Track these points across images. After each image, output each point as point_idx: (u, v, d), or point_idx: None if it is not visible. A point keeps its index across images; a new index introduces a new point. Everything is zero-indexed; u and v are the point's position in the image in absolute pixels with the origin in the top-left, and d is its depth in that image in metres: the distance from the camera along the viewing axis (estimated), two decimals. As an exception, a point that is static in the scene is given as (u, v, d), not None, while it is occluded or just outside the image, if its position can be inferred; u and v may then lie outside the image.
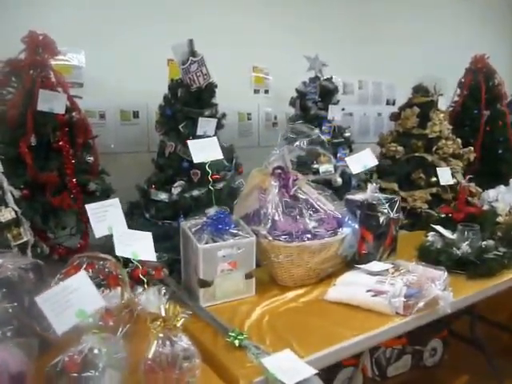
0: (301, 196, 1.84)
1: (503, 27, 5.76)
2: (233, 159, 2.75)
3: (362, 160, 2.13)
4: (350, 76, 4.26)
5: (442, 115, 3.69)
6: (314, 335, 1.46)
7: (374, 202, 1.98)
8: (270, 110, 3.69)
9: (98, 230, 1.39)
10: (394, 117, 3.88)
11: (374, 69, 4.42)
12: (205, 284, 1.64)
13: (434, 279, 1.72)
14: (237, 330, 1.40)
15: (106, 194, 2.50)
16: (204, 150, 1.87)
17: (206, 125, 2.55)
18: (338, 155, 3.13)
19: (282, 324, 1.53)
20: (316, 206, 1.84)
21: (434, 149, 3.65)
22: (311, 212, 1.82)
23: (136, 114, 3.08)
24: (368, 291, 1.62)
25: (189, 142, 1.96)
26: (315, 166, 3.08)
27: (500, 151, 4.31)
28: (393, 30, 4.57)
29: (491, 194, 2.69)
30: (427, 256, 2.08)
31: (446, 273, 1.74)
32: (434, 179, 3.61)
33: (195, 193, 2.55)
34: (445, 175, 2.68)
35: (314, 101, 3.14)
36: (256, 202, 1.78)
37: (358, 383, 1.94)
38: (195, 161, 1.91)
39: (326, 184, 3.08)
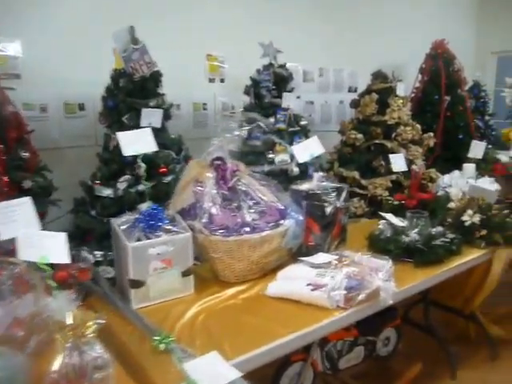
0: (241, 188, 1.76)
1: (465, 12, 5.77)
2: (181, 151, 2.65)
3: (309, 148, 2.07)
4: (311, 63, 4.19)
5: (400, 101, 3.65)
6: (247, 334, 1.39)
7: (319, 192, 1.91)
8: (226, 100, 3.59)
9: (5, 232, 1.28)
10: (354, 104, 3.83)
11: (335, 56, 4.36)
12: (136, 284, 1.55)
13: (377, 269, 1.67)
14: (163, 333, 1.32)
15: (46, 191, 2.38)
16: (135, 142, 1.77)
17: (150, 116, 2.44)
18: (295, 144, 3.06)
19: (216, 323, 1.45)
20: (257, 198, 1.76)
21: (393, 135, 3.62)
22: (252, 204, 1.74)
23: (82, 107, 2.94)
24: (308, 285, 1.55)
25: (118, 133, 1.85)
26: (271, 155, 3.01)
27: (460, 136, 4.32)
28: (354, 16, 4.50)
29: (445, 179, 2.66)
30: (376, 245, 2.04)
31: (390, 262, 1.69)
32: (415, 165, 3.59)
33: (141, 187, 2.44)
34: (398, 162, 2.64)
35: (268, 89, 3.05)
36: (192, 196, 1.69)
37: (308, 378, 1.88)
38: (125, 154, 1.81)
39: (282, 174, 3.05)
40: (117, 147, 2.48)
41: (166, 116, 2.64)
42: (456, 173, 2.70)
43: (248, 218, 1.69)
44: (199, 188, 1.71)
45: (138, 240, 1.60)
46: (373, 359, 2.15)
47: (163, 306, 1.58)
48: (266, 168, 3.00)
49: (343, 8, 4.43)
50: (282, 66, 3.11)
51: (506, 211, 2.25)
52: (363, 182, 3.65)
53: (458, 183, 2.60)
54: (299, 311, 1.53)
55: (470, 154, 2.78)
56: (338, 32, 4.35)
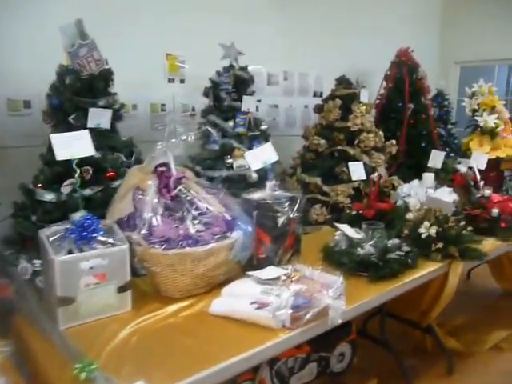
0: (186, 197, 1.64)
1: (430, 21, 5.83)
2: (133, 154, 2.51)
3: (262, 155, 1.97)
4: (276, 66, 4.11)
5: (363, 108, 3.62)
6: (182, 359, 1.27)
7: (270, 202, 1.82)
8: (186, 101, 3.46)
9: None
10: (318, 109, 3.78)
11: (300, 60, 4.30)
12: (65, 302, 1.41)
13: (328, 285, 1.58)
14: (86, 360, 1.18)
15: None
16: (71, 145, 1.62)
17: (98, 116, 2.29)
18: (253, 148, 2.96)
19: (149, 346, 1.33)
20: (203, 208, 1.65)
21: (356, 142, 3.58)
22: (197, 215, 1.62)
23: (27, 104, 2.75)
24: (252, 303, 1.45)
25: (51, 136, 1.70)
26: (229, 160, 2.90)
27: (423, 144, 4.33)
28: (322, 20, 4.45)
29: (405, 188, 2.62)
30: (331, 257, 1.96)
31: (341, 278, 1.61)
32: (376, 174, 3.55)
33: (87, 192, 2.29)
34: (357, 170, 2.59)
35: (228, 91, 2.95)
36: (131, 205, 1.56)
37: (257, 398, 1.78)
38: (58, 158, 1.66)
39: (241, 180, 2.94)
40: (61, 149, 2.32)
41: (117, 117, 2.49)
42: (415, 182, 2.67)
43: (191, 230, 1.57)
44: (139, 196, 1.58)
45: (70, 252, 1.46)
46: (327, 376, 2.07)
47: (95, 326, 1.45)
48: (225, 173, 2.90)
49: (311, 11, 4.36)
50: (243, 69, 3.02)
51: (462, 223, 2.22)
52: (325, 188, 3.60)
53: (416, 193, 2.57)
54: (243, 331, 1.42)
55: (430, 164, 2.76)
56: (305, 35, 4.29)
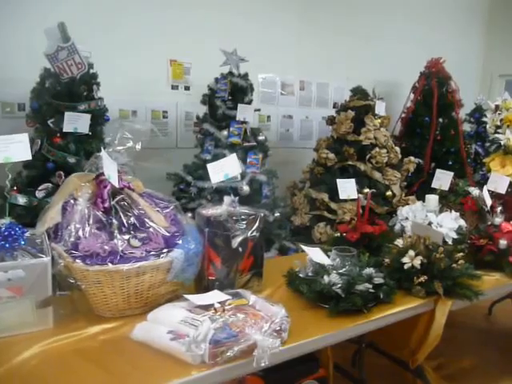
0: (124, 209, 1.52)
1: (474, 32, 5.43)
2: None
3: (225, 168, 1.81)
4: (291, 75, 3.94)
5: (378, 121, 3.36)
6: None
7: (223, 219, 1.65)
8: (190, 109, 3.37)
9: None
10: (330, 121, 3.56)
11: (319, 69, 4.10)
12: (-28, 315, 1.32)
13: (271, 318, 1.40)
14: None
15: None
16: (6, 148, 1.54)
17: (75, 120, 2.24)
18: (248, 160, 2.81)
19: (43, 374, 1.20)
20: (143, 221, 1.52)
21: (367, 157, 3.33)
22: (132, 229, 1.49)
23: (22, 107, 2.76)
24: (169, 332, 1.29)
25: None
26: (220, 171, 2.75)
27: (450, 162, 3.99)
28: (344, 26, 4.24)
29: (404, 211, 2.36)
30: (292, 284, 1.76)
31: (283, 311, 1.41)
32: (366, 190, 3.30)
33: (59, 197, 2.23)
34: (347, 188, 2.35)
35: (224, 99, 2.82)
36: (59, 215, 1.46)
37: None
38: (-13, 161, 1.58)
39: (232, 192, 2.79)
40: (38, 152, 2.29)
41: (101, 122, 2.43)
42: (418, 204, 2.40)
43: (121, 245, 1.44)
44: (71, 206, 1.47)
45: (-12, 262, 1.37)
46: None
47: (4, 342, 1.34)
48: (216, 185, 2.75)
49: (332, 15, 4.14)
50: (242, 76, 2.87)
51: (459, 255, 1.94)
52: (332, 205, 3.37)
53: (415, 216, 2.30)
54: (159, 363, 1.26)
55: (434, 184, 2.47)
56: (325, 43, 4.09)
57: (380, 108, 3.41)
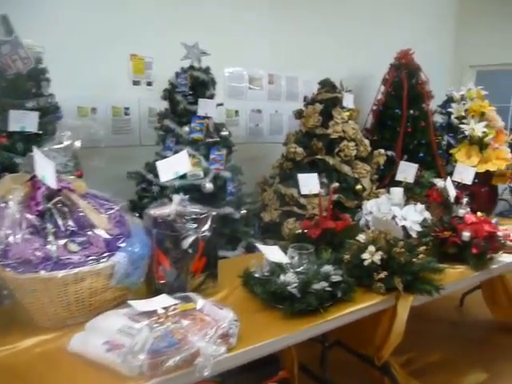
0: (61, 212, 1.42)
1: (444, 20, 5.41)
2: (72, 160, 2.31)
3: (175, 165, 1.72)
4: (259, 69, 3.86)
5: (346, 114, 3.31)
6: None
7: (171, 219, 1.57)
8: (153, 104, 3.25)
9: None
10: (298, 114, 3.49)
11: (288, 62, 4.03)
12: None
13: (217, 322, 1.32)
14: None
15: None
16: None
17: (21, 119, 2.12)
18: (212, 157, 2.72)
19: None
20: (79, 225, 1.42)
21: (336, 151, 3.28)
22: (70, 233, 1.40)
23: None
24: (104, 343, 1.21)
25: None
26: (182, 169, 2.66)
27: (421, 154, 3.96)
28: (314, 18, 4.16)
29: (369, 205, 2.30)
30: (247, 285, 1.69)
31: (231, 314, 1.34)
32: (335, 185, 3.25)
33: None
34: (309, 182, 2.28)
35: (184, 94, 2.72)
36: (-12, 219, 1.36)
37: None
38: None
39: (194, 190, 2.70)
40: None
41: (52, 119, 2.32)
42: (383, 197, 2.35)
43: (56, 250, 1.34)
44: (1, 210, 1.37)
45: None
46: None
47: None
48: (177, 183, 2.66)
49: (301, 6, 4.05)
50: (204, 70, 2.78)
51: (422, 248, 1.89)
52: (302, 200, 3.30)
53: (380, 210, 2.25)
54: (95, 377, 1.18)
55: (399, 177, 2.42)
56: (295, 35, 4.01)
57: (348, 100, 3.35)
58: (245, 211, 2.85)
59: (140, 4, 3.15)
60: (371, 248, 1.78)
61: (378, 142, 4.11)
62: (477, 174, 2.70)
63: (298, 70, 4.08)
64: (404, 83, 4.03)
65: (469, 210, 2.48)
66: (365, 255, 1.78)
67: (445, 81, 5.23)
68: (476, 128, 2.55)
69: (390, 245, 1.82)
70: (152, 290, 1.61)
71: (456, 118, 2.67)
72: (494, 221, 2.54)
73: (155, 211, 1.63)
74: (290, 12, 3.96)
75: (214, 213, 1.65)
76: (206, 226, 1.63)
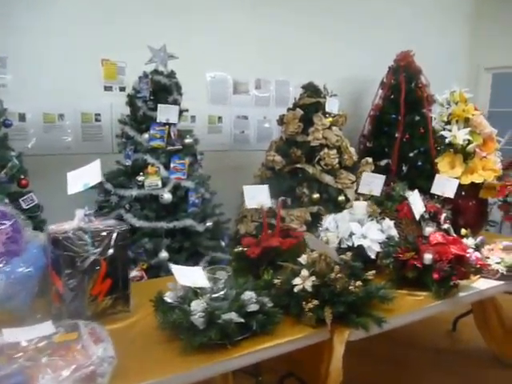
0: None
1: (458, 20, 5.07)
2: (3, 168, 2.22)
3: (85, 176, 1.57)
4: (245, 73, 3.68)
5: (329, 119, 3.09)
6: None
7: (70, 236, 1.41)
8: (127, 111, 3.13)
9: None
10: (281, 120, 3.29)
11: (279, 66, 3.83)
12: None
13: (85, 359, 1.16)
14: None
15: None
16: None
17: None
18: (172, 166, 2.57)
19: None
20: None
21: (316, 159, 3.06)
22: None
23: None
24: None
25: None
26: (140, 178, 2.53)
27: (419, 163, 3.68)
28: (307, 16, 3.93)
29: (328, 220, 2.08)
30: (159, 311, 1.51)
31: (102, 350, 1.17)
32: (316, 196, 3.03)
33: None
34: (258, 195, 2.05)
35: (145, 99, 2.59)
36: None
37: None
38: None
39: (153, 201, 2.56)
40: None
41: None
42: (344, 212, 2.12)
43: None
44: None
45: None
46: None
47: None
48: (135, 193, 2.53)
49: (292, 7, 3.83)
50: (165, 74, 2.63)
51: (372, 273, 1.66)
52: (281, 212, 3.10)
53: (339, 226, 2.02)
54: None
55: (363, 190, 2.18)
56: (285, 38, 3.81)
57: (332, 105, 3.12)
58: (210, 224, 2.67)
59: (113, 6, 3.05)
60: (304, 272, 1.57)
61: (373, 149, 3.87)
62: (463, 187, 2.42)
63: (289, 74, 3.88)
64: (402, 87, 3.76)
65: (447, 226, 2.22)
66: (296, 280, 1.56)
67: (460, 84, 4.90)
68: (458, 135, 2.28)
69: (331, 269, 1.60)
70: (51, 313, 1.46)
71: (437, 123, 2.40)
72: (479, 239, 2.27)
73: (55, 227, 1.49)
74: (279, 12, 3.76)
75: (119, 230, 1.49)
76: (110, 244, 1.47)
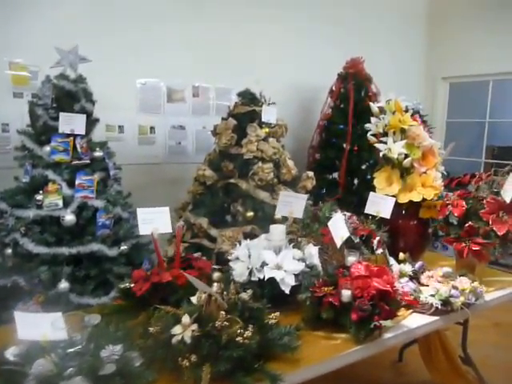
0: None
1: (415, 29, 4.92)
2: None
3: None
4: (181, 80, 3.40)
5: (265, 130, 2.82)
6: None
7: None
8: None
9: None
10: (214, 131, 3.02)
11: (220, 72, 3.57)
12: None
13: None
14: None
15: None
16: None
17: None
18: (77, 182, 2.25)
19: None
20: None
21: (250, 174, 2.79)
22: None
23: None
24: None
25: None
26: (39, 197, 2.21)
27: (368, 176, 3.45)
28: (248, 24, 3.68)
29: (241, 247, 1.79)
30: None
31: None
32: (250, 213, 2.76)
33: None
34: (156, 220, 1.73)
35: (46, 107, 2.28)
36: None
37: None
38: None
39: (53, 223, 2.23)
40: None
41: None
42: (261, 237, 1.85)
43: None
44: None
45: None
46: None
47: None
48: (32, 214, 2.20)
49: (237, 7, 3.60)
50: (74, 79, 2.32)
51: (273, 315, 1.38)
52: (213, 231, 2.81)
53: (251, 255, 1.74)
54: None
55: (281, 212, 1.91)
56: (228, 41, 3.56)
57: (270, 115, 2.86)
58: (125, 247, 2.36)
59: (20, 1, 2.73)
60: (185, 319, 1.28)
61: (322, 162, 3.64)
62: (403, 205, 2.18)
63: (231, 81, 3.62)
64: (351, 95, 3.55)
65: (381, 251, 1.97)
66: (176, 329, 1.27)
67: (417, 93, 4.73)
68: (393, 148, 2.05)
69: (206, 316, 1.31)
70: None
71: (375, 135, 2.17)
72: (417, 265, 2.03)
73: None
74: (221, 13, 3.51)
75: None
76: None
